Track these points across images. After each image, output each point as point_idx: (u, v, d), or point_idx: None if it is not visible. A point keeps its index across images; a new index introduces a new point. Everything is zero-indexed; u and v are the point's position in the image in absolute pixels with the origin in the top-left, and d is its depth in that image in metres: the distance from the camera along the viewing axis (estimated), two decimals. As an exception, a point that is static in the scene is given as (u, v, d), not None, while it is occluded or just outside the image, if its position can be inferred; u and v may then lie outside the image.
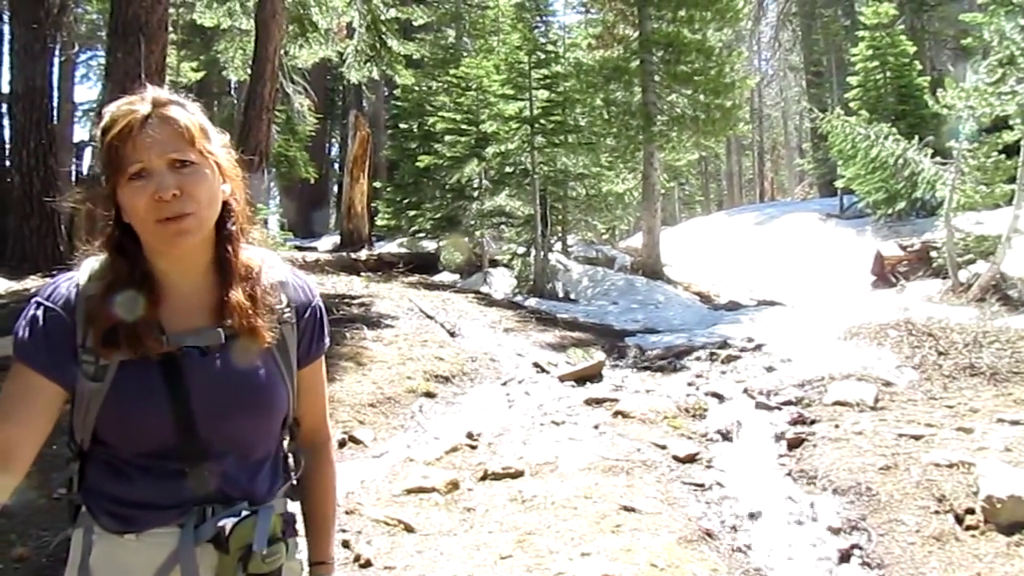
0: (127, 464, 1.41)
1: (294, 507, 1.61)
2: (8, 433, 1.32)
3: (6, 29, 13.10)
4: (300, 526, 1.63)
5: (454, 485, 4.72)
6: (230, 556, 1.39)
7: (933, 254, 11.30)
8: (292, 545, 1.51)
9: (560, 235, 17.09)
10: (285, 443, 1.61)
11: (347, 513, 4.29)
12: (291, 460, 1.62)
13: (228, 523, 1.39)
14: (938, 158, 12.18)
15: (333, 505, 1.73)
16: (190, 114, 1.43)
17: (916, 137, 13.23)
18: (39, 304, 1.41)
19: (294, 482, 1.60)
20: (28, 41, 12.16)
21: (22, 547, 3.81)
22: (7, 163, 12.59)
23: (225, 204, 1.47)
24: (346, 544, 3.94)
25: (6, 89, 12.99)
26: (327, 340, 1.64)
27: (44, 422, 1.36)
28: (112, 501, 1.41)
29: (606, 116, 16.15)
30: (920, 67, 19.05)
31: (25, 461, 1.33)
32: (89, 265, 1.46)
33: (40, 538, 3.86)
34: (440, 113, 15.85)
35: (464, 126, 15.01)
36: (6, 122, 12.84)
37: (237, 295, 1.45)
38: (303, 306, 1.57)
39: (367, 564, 3.75)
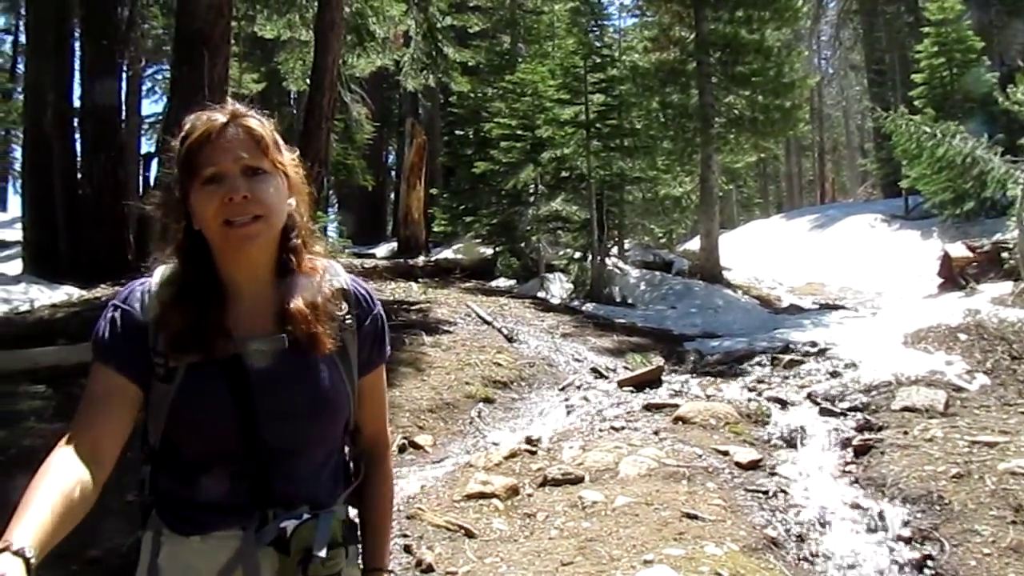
0: (193, 466, 1.46)
1: (354, 513, 1.63)
2: (95, 432, 1.36)
3: (77, 46, 13.52)
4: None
5: (514, 491, 4.71)
6: (290, 559, 1.41)
7: (1004, 255, 10.92)
8: (353, 551, 1.53)
9: (616, 239, 16.97)
10: (347, 449, 1.63)
11: (408, 518, 4.32)
12: (352, 466, 1.64)
13: (289, 526, 1.41)
14: (1009, 156, 11.78)
15: (390, 513, 1.75)
16: (266, 126, 1.50)
17: (985, 135, 12.83)
18: (115, 307, 1.48)
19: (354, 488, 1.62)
20: (98, 57, 12.57)
21: (94, 550, 3.92)
22: (79, 175, 12.99)
23: (289, 216, 1.51)
24: (408, 549, 3.96)
25: (77, 104, 13.43)
26: (388, 348, 1.67)
27: (126, 420, 1.41)
28: (179, 503, 1.46)
29: (662, 119, 15.98)
30: (988, 62, 18.47)
31: (112, 458, 1.37)
32: (161, 271, 1.52)
33: (112, 540, 3.96)
34: (496, 119, 15.87)
35: (519, 131, 15.01)
36: (78, 136, 13.26)
37: (298, 303, 1.48)
38: (364, 314, 1.60)
39: (429, 569, 3.77)
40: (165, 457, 1.48)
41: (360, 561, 1.61)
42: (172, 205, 1.50)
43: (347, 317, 1.56)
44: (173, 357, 1.43)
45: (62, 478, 1.26)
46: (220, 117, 1.46)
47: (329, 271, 1.58)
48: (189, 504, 1.45)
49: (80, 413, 1.39)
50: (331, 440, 1.56)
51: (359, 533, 1.64)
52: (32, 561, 1.09)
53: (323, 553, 1.41)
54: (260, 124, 1.49)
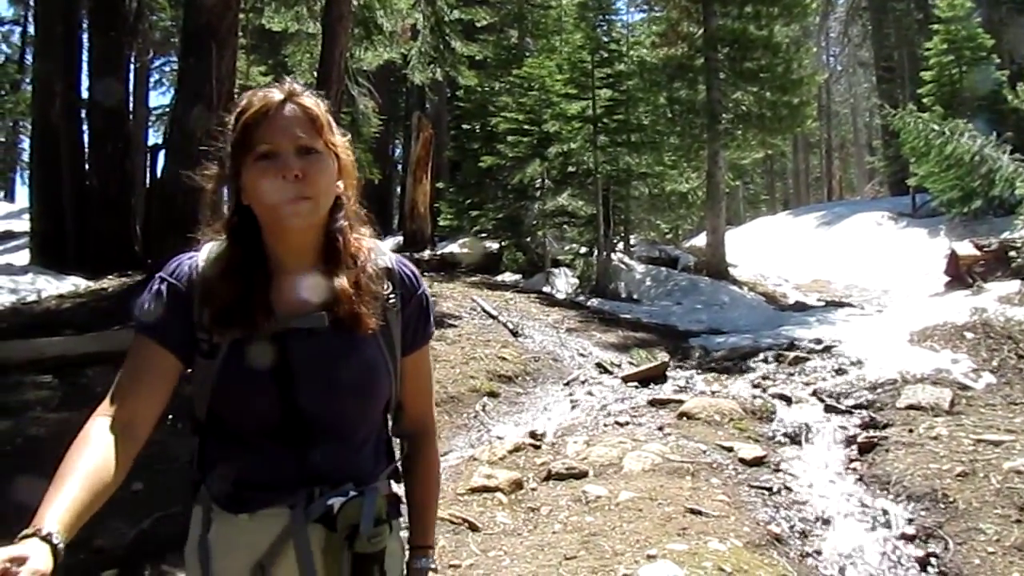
0: (238, 443, 1.48)
1: (397, 489, 1.64)
2: (133, 405, 1.38)
3: (84, 38, 13.54)
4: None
5: (518, 485, 4.72)
6: (337, 534, 1.42)
7: (1012, 254, 10.87)
8: (395, 526, 1.55)
9: (623, 235, 16.96)
10: (389, 428, 1.66)
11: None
12: (394, 445, 1.67)
13: (336, 502, 1.43)
14: (1017, 154, 11.73)
15: (436, 492, 1.76)
16: (320, 107, 1.51)
17: (994, 133, 12.77)
18: (162, 279, 1.49)
19: (398, 466, 1.64)
20: (106, 49, 12.58)
21: (99, 539, 3.94)
22: (86, 167, 13.02)
23: (337, 198, 1.53)
24: (411, 542, 3.97)
25: (85, 96, 13.45)
26: (432, 328, 1.68)
27: (164, 394, 1.43)
28: (227, 481, 1.47)
29: (670, 115, 15.96)
30: (998, 60, 18.37)
31: (146, 432, 1.39)
32: (208, 247, 1.53)
33: (117, 530, 3.98)
34: (503, 113, 15.86)
35: (526, 126, 15.00)
36: (85, 127, 13.28)
37: (342, 282, 1.49)
38: (408, 294, 1.61)
39: (432, 562, 3.77)
40: (212, 431, 1.51)
41: (403, 536, 1.63)
42: (223, 180, 1.52)
43: (391, 297, 1.57)
44: (217, 332, 1.44)
45: (96, 453, 1.28)
46: (277, 95, 1.48)
47: (375, 251, 1.59)
48: (237, 482, 1.47)
49: (119, 384, 1.41)
50: (372, 418, 1.58)
51: (405, 510, 1.66)
52: (60, 547, 1.11)
53: (370, 529, 1.43)
54: (315, 104, 1.50)
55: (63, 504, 1.17)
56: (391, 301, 1.56)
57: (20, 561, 1.04)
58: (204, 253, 1.52)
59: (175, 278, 1.49)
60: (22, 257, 14.30)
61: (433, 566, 1.71)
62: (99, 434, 1.32)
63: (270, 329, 1.45)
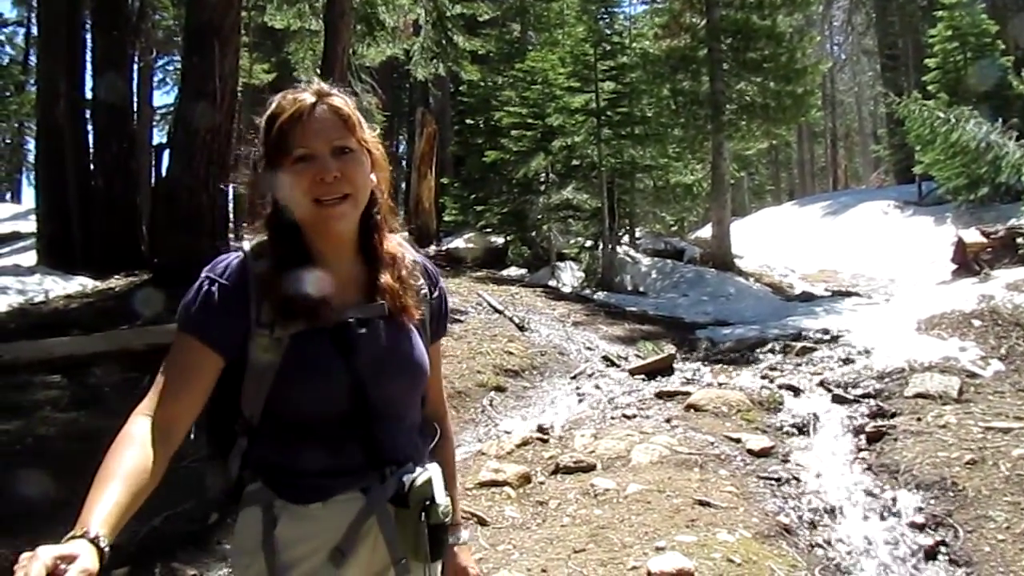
0: (302, 435, 1.50)
1: None
2: (175, 406, 1.40)
3: (88, 37, 13.55)
4: None
5: (526, 479, 4.73)
6: (410, 510, 1.48)
7: (1019, 240, 10.83)
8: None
9: (628, 228, 16.94)
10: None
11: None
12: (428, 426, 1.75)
13: (408, 479, 1.50)
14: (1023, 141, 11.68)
15: (455, 471, 1.84)
16: (350, 105, 1.55)
17: (999, 119, 12.71)
18: (211, 280, 1.50)
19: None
20: (109, 48, 12.60)
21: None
22: (91, 167, 13.04)
23: (371, 193, 1.58)
24: (420, 536, 3.97)
25: (89, 95, 13.47)
26: (449, 320, 1.78)
27: (203, 395, 1.45)
28: (293, 474, 1.49)
29: (673, 106, 15.91)
30: (1003, 47, 18.27)
31: (183, 433, 1.42)
32: (250, 245, 1.56)
33: (128, 528, 3.99)
34: (506, 108, 15.84)
35: (530, 120, 14.98)
36: (89, 127, 13.30)
37: (387, 278, 1.57)
38: (433, 287, 1.71)
39: (441, 556, 3.78)
40: (265, 429, 1.51)
41: None
42: (264, 180, 1.55)
43: (422, 289, 1.66)
44: (281, 325, 1.46)
45: (137, 454, 1.30)
46: (308, 97, 1.51)
47: (404, 246, 1.67)
48: (305, 472, 1.49)
49: (162, 384, 1.42)
50: (417, 402, 1.66)
51: None
52: (106, 550, 1.13)
53: (445, 502, 1.50)
54: (345, 103, 1.54)
55: (107, 506, 1.20)
56: (423, 293, 1.66)
57: (70, 559, 1.06)
58: (249, 251, 1.54)
59: (225, 278, 1.50)
60: (29, 258, 14.33)
61: (465, 540, 1.80)
62: (140, 434, 1.34)
63: (333, 320, 1.50)
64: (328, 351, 1.49)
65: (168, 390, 1.41)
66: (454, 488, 1.77)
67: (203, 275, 1.52)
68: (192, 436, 1.48)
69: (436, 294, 1.71)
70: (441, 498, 1.50)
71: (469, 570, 1.77)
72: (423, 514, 1.48)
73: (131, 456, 1.29)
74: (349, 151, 1.50)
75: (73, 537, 1.12)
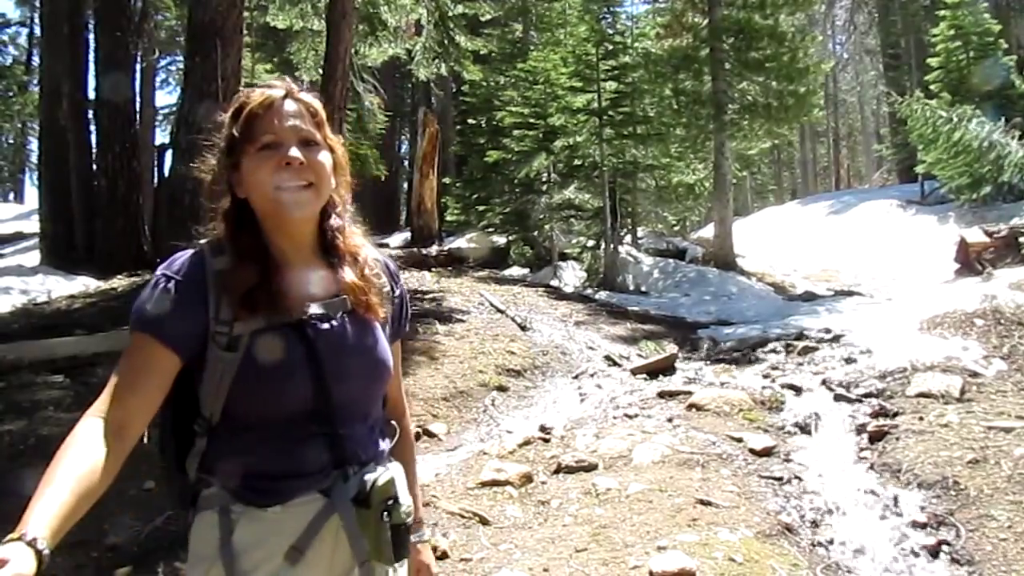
0: (263, 435, 1.46)
1: None
2: (128, 407, 1.36)
3: (91, 38, 13.58)
4: None
5: (528, 478, 4.73)
6: (371, 510, 1.46)
7: (1022, 240, 10.83)
8: None
9: (630, 227, 16.94)
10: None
11: (423, 505, 4.34)
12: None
13: (370, 479, 1.47)
14: (1026, 140, 11.67)
15: (415, 470, 1.83)
16: (318, 104, 1.56)
17: (1002, 119, 12.70)
18: (168, 277, 1.46)
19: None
20: (112, 49, 12.61)
21: (113, 536, 3.97)
22: (94, 167, 13.06)
23: (330, 195, 1.56)
24: (422, 536, 3.98)
25: (92, 96, 13.49)
26: (408, 321, 1.77)
27: (160, 395, 1.41)
28: (252, 476, 1.46)
29: (675, 106, 15.91)
30: (1005, 46, 18.25)
31: (137, 435, 1.38)
32: (208, 240, 1.54)
33: (131, 527, 4.01)
34: (508, 108, 15.85)
35: (532, 120, 14.98)
36: (92, 127, 13.32)
37: (350, 276, 1.55)
38: (395, 286, 1.70)
39: (443, 556, 3.79)
40: (226, 429, 1.48)
41: None
42: (224, 168, 1.53)
43: (385, 287, 1.64)
44: (242, 321, 1.44)
45: (86, 456, 1.27)
46: (278, 91, 1.52)
47: (366, 247, 1.65)
48: (265, 475, 1.45)
49: (115, 385, 1.38)
50: (379, 401, 1.64)
51: None
52: (44, 553, 1.10)
53: (408, 501, 1.50)
54: (314, 99, 1.56)
55: (50, 509, 1.16)
56: (385, 291, 1.64)
57: (2, 563, 1.04)
58: (205, 248, 1.52)
59: (182, 274, 1.47)
60: (32, 258, 14.37)
61: (427, 539, 1.81)
62: (90, 436, 1.30)
63: (295, 316, 1.47)
64: (290, 348, 1.46)
65: (121, 390, 1.37)
66: (415, 487, 1.76)
67: (158, 273, 1.48)
68: (146, 439, 1.45)
69: (398, 292, 1.70)
70: (404, 498, 1.49)
71: (432, 568, 1.77)
72: (385, 514, 1.46)
73: (78, 458, 1.25)
74: (315, 144, 1.51)
75: (10, 540, 1.09)
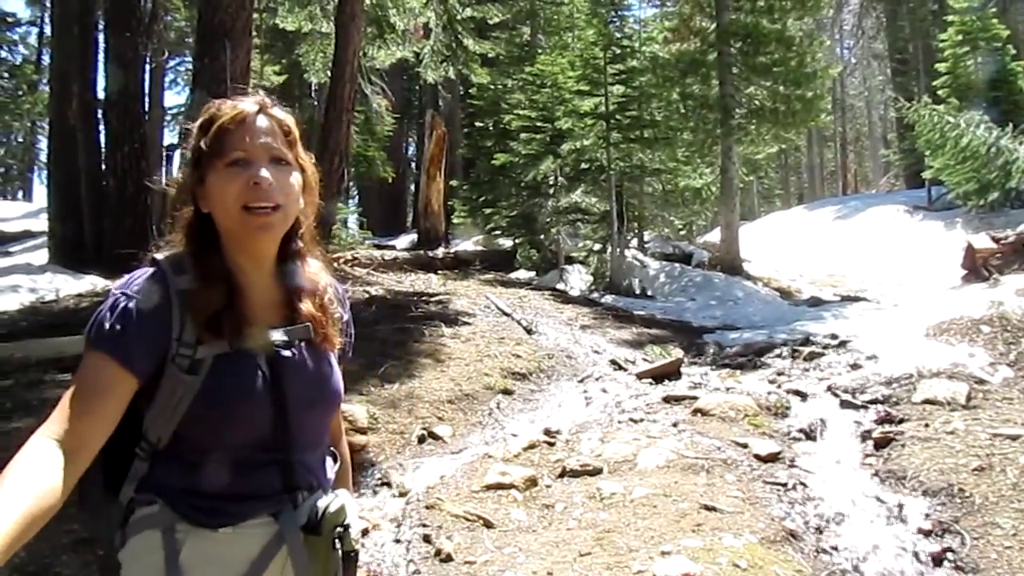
0: (214, 458, 1.43)
1: None
2: (82, 429, 1.30)
3: (101, 38, 13.63)
4: None
5: (532, 482, 4.73)
6: (322, 537, 1.45)
7: (1029, 246, 10.80)
8: None
9: (636, 231, 16.96)
10: None
11: (427, 508, 4.35)
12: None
13: (322, 505, 1.46)
14: (1034, 146, 11.64)
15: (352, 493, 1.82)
16: (291, 120, 1.52)
17: (1010, 124, 12.67)
18: (127, 296, 1.42)
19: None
20: (122, 49, 12.65)
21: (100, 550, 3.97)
22: (103, 167, 13.11)
23: (296, 219, 1.53)
24: (427, 539, 3.99)
25: (102, 95, 13.54)
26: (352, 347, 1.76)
27: (115, 418, 1.35)
28: (202, 496, 1.42)
29: (683, 110, 15.93)
30: (1014, 51, 18.21)
31: (92, 456, 1.32)
32: (167, 259, 1.49)
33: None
34: (515, 111, 15.88)
35: (539, 123, 15.01)
36: (102, 127, 13.37)
37: (308, 306, 1.53)
38: (345, 313, 1.67)
39: (448, 559, 3.80)
40: (171, 452, 1.44)
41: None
42: (189, 184, 1.50)
43: (342, 317, 1.64)
44: (206, 344, 1.40)
45: (37, 480, 1.21)
46: (250, 106, 1.48)
47: (322, 273, 1.62)
48: (216, 496, 1.42)
49: (69, 404, 1.32)
50: (328, 429, 1.64)
51: None
52: None
53: (358, 527, 1.48)
54: (288, 117, 1.52)
55: None
56: (342, 320, 1.64)
57: None
58: (167, 264, 1.47)
59: (142, 294, 1.42)
60: (40, 256, 14.41)
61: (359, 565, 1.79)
62: (42, 458, 1.25)
63: (259, 342, 1.45)
64: (253, 374, 1.43)
65: (76, 411, 1.30)
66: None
67: (117, 292, 1.44)
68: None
69: (346, 318, 1.67)
70: (355, 524, 1.48)
71: None
72: (337, 541, 1.45)
73: (29, 481, 1.19)
74: (286, 163, 1.47)
75: None
